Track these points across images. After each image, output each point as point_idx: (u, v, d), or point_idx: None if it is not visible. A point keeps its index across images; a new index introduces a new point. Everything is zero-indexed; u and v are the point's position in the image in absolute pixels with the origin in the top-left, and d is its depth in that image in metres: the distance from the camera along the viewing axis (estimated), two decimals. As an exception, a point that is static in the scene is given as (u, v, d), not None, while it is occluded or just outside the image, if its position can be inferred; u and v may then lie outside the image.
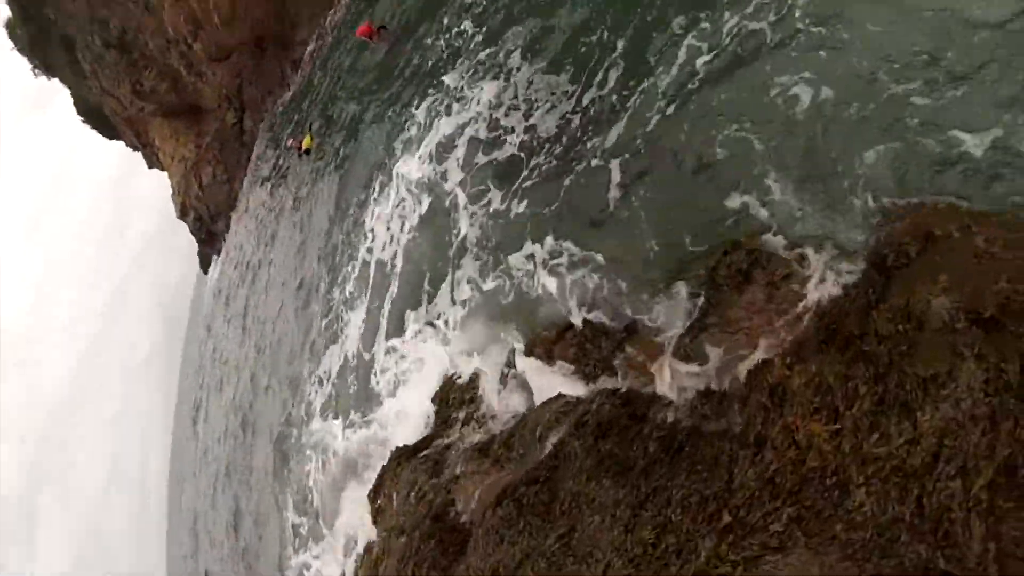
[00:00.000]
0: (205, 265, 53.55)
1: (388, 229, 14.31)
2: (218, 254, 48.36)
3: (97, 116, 53.32)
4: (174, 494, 47.92)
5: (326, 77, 24.59)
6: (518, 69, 11.60)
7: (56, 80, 51.34)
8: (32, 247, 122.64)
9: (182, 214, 50.59)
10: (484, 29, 13.80)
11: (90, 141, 59.59)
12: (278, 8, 30.56)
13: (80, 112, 54.63)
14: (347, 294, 15.79)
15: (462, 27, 14.90)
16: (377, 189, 15.47)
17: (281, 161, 28.21)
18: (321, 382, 15.95)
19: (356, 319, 14.87)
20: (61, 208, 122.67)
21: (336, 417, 14.51)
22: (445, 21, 15.74)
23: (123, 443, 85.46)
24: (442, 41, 15.32)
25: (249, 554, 19.28)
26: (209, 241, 50.01)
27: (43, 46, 47.00)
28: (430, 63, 15.35)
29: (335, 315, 15.89)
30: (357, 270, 15.45)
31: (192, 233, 51.88)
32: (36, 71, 50.86)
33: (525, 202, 10.03)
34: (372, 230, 15.16)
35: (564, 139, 9.90)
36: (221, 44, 33.51)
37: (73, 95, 52.56)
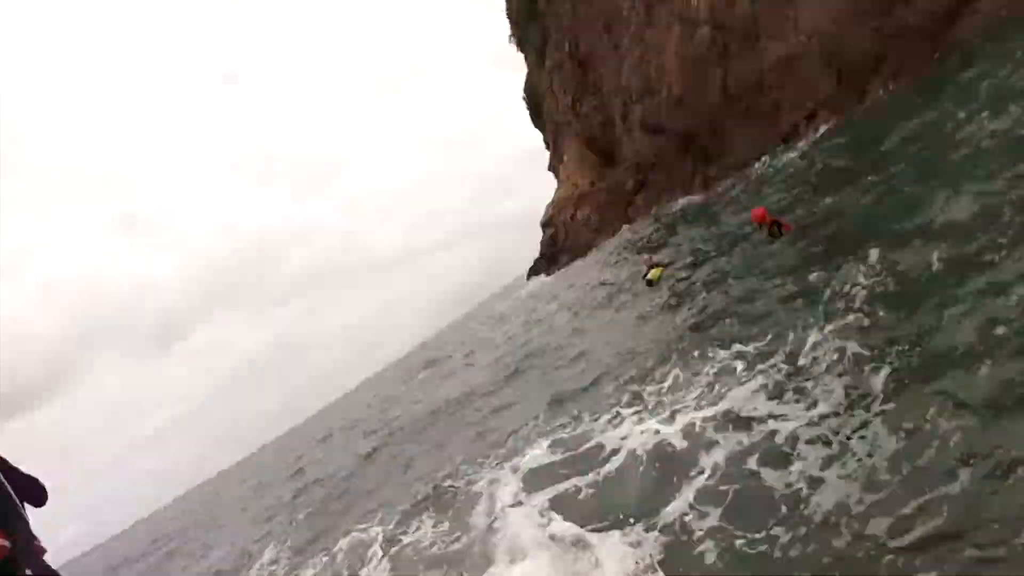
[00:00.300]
0: (533, 273, 55.34)
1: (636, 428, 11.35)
2: (547, 275, 49.89)
3: (535, 103, 57.49)
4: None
5: (712, 216, 22.66)
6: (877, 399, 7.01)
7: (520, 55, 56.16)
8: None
9: (545, 224, 52.64)
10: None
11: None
12: (716, 120, 29.65)
13: (524, 90, 59.22)
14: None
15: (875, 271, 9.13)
16: (667, 381, 11.94)
17: (626, 260, 26.69)
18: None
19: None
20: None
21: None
22: (870, 256, 9.57)
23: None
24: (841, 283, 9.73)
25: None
26: (549, 259, 51.47)
27: (526, 25, 51.38)
28: (808, 306, 10.45)
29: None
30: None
31: (541, 243, 53.84)
32: (511, 39, 56.00)
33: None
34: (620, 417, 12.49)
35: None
36: (656, 121, 33.43)
37: (528, 75, 56.91)
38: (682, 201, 31.61)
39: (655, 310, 16.73)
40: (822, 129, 23.84)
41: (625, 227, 37.97)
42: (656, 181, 35.91)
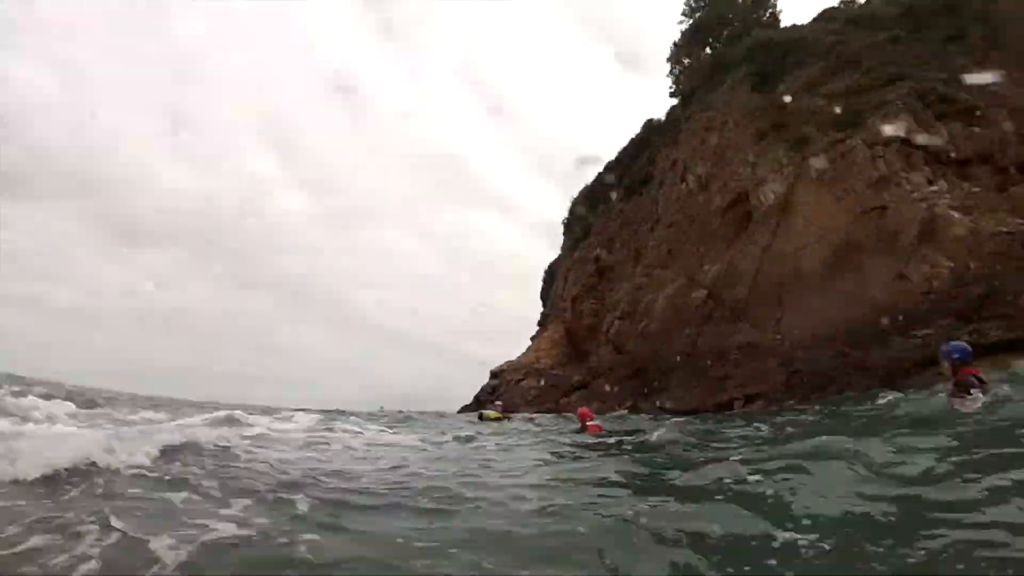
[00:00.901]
0: (463, 409, 52.61)
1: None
2: (476, 409, 46.51)
3: (550, 279, 58.34)
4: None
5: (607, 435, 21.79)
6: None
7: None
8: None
9: (494, 374, 50.62)
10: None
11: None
12: (671, 365, 29.90)
13: (549, 265, 61.12)
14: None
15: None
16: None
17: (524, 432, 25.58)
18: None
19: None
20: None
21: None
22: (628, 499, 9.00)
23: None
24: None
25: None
26: (479, 404, 49.06)
27: (579, 216, 52.37)
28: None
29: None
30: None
31: (482, 388, 51.70)
32: (564, 220, 57.15)
33: None
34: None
35: None
36: (624, 341, 33.59)
37: (560, 256, 57.92)
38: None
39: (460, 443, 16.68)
40: (755, 413, 23.33)
41: (551, 414, 36.93)
42: (595, 388, 35.42)
